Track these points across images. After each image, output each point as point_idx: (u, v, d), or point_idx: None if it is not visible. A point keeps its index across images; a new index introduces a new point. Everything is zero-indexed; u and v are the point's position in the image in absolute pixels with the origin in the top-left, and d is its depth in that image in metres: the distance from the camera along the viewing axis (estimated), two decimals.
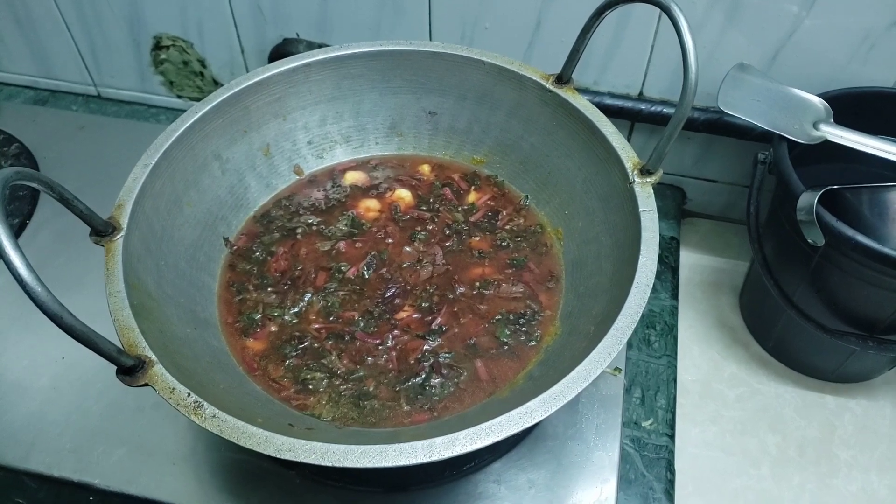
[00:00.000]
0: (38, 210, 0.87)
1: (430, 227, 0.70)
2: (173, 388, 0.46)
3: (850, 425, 0.79)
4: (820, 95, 0.73)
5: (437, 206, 0.72)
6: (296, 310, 0.64)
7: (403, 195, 0.73)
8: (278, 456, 0.44)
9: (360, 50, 0.70)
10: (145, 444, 0.67)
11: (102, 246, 0.54)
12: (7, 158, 0.93)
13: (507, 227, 0.70)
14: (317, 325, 0.63)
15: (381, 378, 0.59)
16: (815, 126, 0.72)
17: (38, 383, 0.71)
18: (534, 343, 0.62)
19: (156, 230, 0.60)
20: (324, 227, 0.70)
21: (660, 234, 0.54)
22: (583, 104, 0.64)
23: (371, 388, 0.59)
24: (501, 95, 0.70)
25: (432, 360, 0.60)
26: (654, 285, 0.52)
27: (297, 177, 0.74)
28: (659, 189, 0.90)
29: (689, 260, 0.92)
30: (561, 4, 0.78)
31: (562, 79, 0.66)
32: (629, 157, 0.59)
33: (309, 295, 0.65)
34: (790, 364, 0.83)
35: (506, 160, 0.73)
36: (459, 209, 0.72)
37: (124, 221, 0.55)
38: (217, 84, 1.00)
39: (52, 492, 0.66)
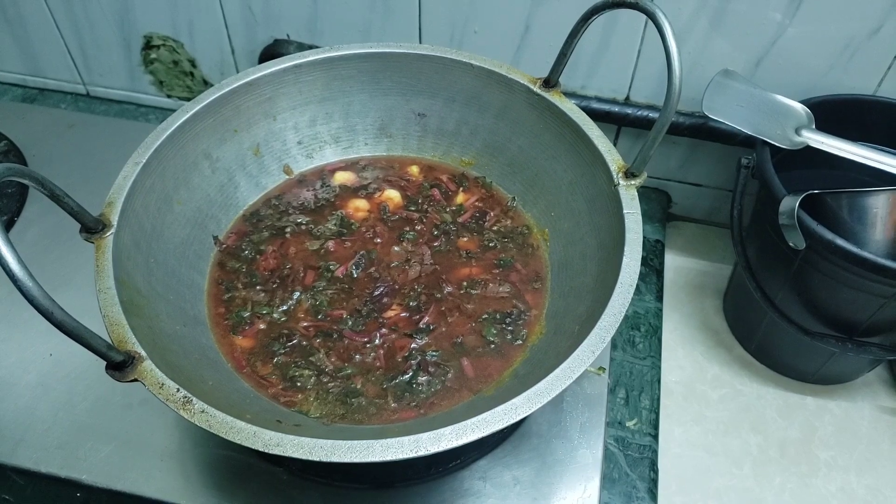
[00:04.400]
0: (27, 208, 0.87)
1: (419, 228, 0.71)
2: (162, 384, 0.47)
3: (830, 426, 0.80)
4: (802, 102, 0.74)
5: (425, 206, 0.73)
6: (284, 308, 0.65)
7: (392, 196, 0.74)
8: (266, 450, 0.44)
9: (351, 51, 0.70)
10: (133, 440, 0.67)
11: (92, 243, 0.54)
12: None
13: (495, 227, 0.71)
14: (305, 324, 0.63)
15: (368, 376, 0.60)
16: (797, 132, 0.73)
17: (25, 380, 0.71)
18: (520, 342, 0.62)
19: (146, 228, 0.61)
20: (313, 226, 0.71)
21: (645, 237, 0.55)
22: (569, 108, 0.65)
23: (359, 386, 0.59)
24: (490, 98, 0.71)
25: (419, 359, 0.61)
26: (639, 287, 0.52)
27: (287, 176, 0.75)
28: (644, 193, 0.91)
29: (674, 263, 0.93)
30: (549, 9, 0.79)
31: (549, 82, 0.66)
32: (614, 160, 0.60)
33: (298, 293, 0.65)
34: (772, 366, 0.84)
35: (493, 162, 0.74)
36: (447, 210, 0.73)
37: (114, 219, 0.56)
38: (207, 84, 1.01)
39: (39, 488, 0.66)
